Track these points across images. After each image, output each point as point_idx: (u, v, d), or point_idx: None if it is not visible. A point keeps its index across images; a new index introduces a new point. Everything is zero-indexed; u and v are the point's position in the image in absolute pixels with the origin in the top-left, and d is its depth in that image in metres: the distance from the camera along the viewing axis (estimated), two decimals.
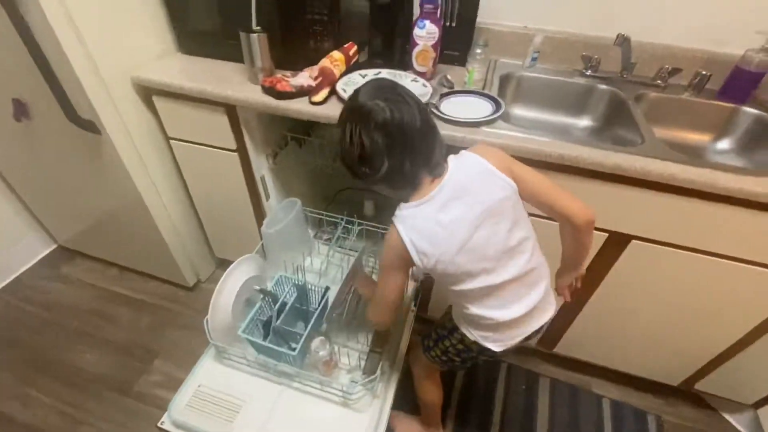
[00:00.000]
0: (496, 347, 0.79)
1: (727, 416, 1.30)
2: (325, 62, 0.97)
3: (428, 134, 0.68)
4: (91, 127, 1.07)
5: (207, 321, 1.01)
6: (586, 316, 1.16)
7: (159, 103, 1.14)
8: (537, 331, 0.79)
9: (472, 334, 0.80)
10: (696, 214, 0.86)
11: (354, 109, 0.66)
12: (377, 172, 0.66)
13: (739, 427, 1.28)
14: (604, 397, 1.34)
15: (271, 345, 1.00)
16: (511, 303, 0.74)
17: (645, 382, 1.31)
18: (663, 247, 0.93)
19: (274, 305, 1.11)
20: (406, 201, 0.71)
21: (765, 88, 1.07)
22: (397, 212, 0.72)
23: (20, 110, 1.12)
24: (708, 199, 0.82)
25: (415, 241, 0.69)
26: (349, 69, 1.02)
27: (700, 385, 1.22)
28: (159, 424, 1.00)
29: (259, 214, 1.35)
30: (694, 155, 1.11)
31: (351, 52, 1.00)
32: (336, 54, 0.98)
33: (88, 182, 1.30)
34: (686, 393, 1.30)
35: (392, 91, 0.67)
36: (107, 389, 1.30)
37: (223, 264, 1.67)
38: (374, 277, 1.24)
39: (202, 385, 1.05)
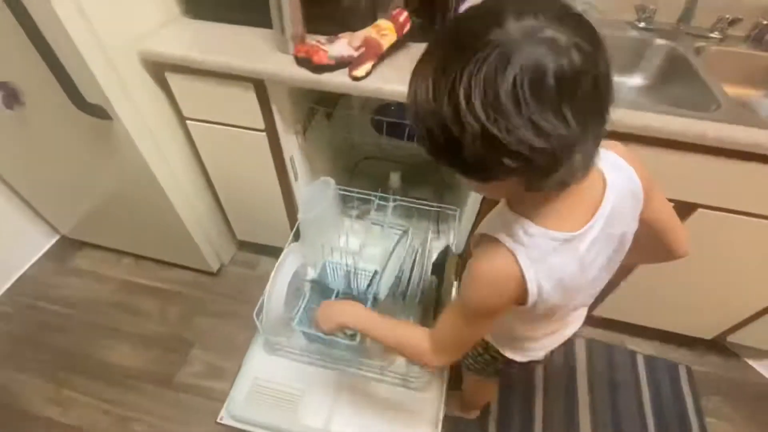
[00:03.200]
0: (518, 357, 0.73)
1: (750, 362, 1.38)
2: (370, 32, 0.85)
3: (608, 107, 0.37)
4: (100, 113, 0.94)
5: (259, 315, 0.97)
6: (632, 282, 1.17)
7: (173, 80, 1.00)
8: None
9: (494, 342, 0.74)
10: (757, 177, 0.82)
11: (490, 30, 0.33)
12: (499, 165, 0.36)
13: (761, 370, 1.36)
14: (638, 352, 1.39)
15: (330, 337, 0.96)
16: (556, 328, 0.69)
17: (675, 337, 1.36)
18: (727, 214, 0.91)
19: (323, 294, 1.08)
20: (525, 213, 0.47)
21: None
22: (521, 233, 0.46)
23: (11, 96, 0.97)
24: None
25: (544, 286, 0.47)
26: (402, 40, 0.90)
27: (733, 338, 1.27)
28: (218, 420, 0.98)
29: (287, 195, 1.26)
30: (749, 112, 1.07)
31: (401, 19, 0.88)
32: (383, 23, 0.86)
33: (95, 169, 1.18)
34: (712, 343, 1.36)
35: (578, 19, 0.35)
36: (147, 383, 1.27)
37: (244, 246, 1.60)
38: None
39: (258, 378, 1.03)
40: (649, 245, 0.63)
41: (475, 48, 0.33)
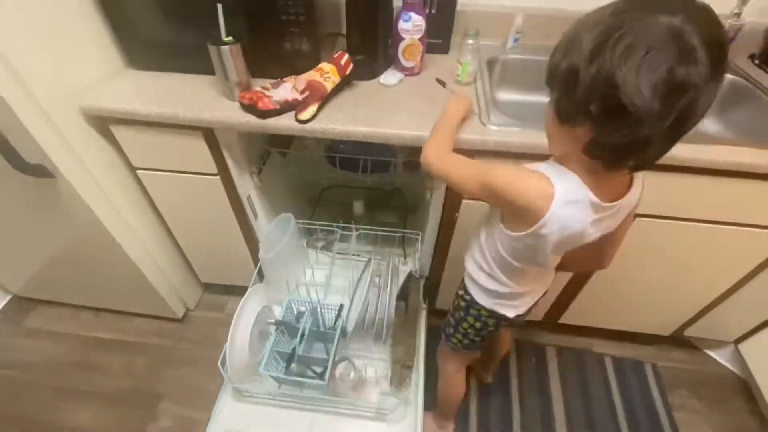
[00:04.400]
0: (509, 313, 0.81)
1: (709, 352, 1.45)
2: (313, 75, 0.88)
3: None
4: (41, 171, 0.92)
5: (224, 365, 0.95)
6: (589, 288, 1.22)
7: (119, 132, 0.99)
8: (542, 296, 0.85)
9: (488, 303, 0.80)
10: (692, 188, 0.90)
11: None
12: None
13: (720, 360, 1.43)
14: (605, 355, 1.43)
15: (297, 378, 0.96)
16: (531, 288, 0.78)
17: (638, 335, 1.42)
18: (663, 220, 0.98)
19: (290, 334, 1.06)
20: (576, 171, 0.55)
21: (736, 52, 1.12)
22: (568, 179, 0.55)
23: None
24: (701, 173, 0.86)
25: (555, 223, 0.55)
26: (345, 80, 0.93)
27: (689, 332, 1.34)
28: None
29: (248, 234, 1.26)
30: None
31: (343, 62, 0.91)
32: (326, 66, 0.89)
33: (44, 227, 1.14)
34: (674, 339, 1.43)
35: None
36: None
37: (210, 288, 1.56)
38: None
39: (229, 429, 0.99)
40: (593, 250, 0.71)
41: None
